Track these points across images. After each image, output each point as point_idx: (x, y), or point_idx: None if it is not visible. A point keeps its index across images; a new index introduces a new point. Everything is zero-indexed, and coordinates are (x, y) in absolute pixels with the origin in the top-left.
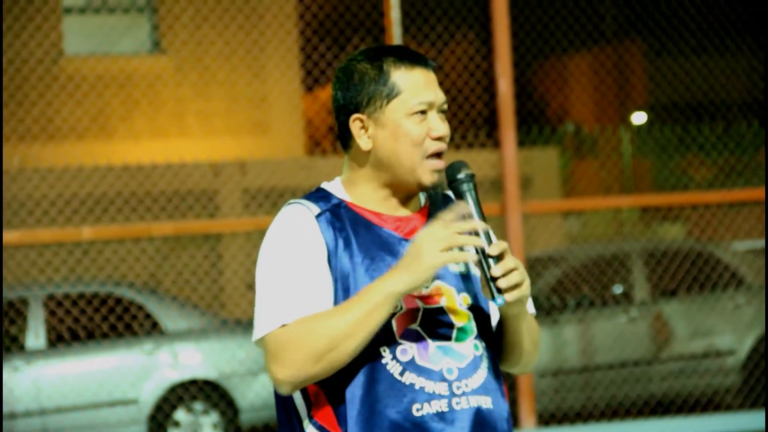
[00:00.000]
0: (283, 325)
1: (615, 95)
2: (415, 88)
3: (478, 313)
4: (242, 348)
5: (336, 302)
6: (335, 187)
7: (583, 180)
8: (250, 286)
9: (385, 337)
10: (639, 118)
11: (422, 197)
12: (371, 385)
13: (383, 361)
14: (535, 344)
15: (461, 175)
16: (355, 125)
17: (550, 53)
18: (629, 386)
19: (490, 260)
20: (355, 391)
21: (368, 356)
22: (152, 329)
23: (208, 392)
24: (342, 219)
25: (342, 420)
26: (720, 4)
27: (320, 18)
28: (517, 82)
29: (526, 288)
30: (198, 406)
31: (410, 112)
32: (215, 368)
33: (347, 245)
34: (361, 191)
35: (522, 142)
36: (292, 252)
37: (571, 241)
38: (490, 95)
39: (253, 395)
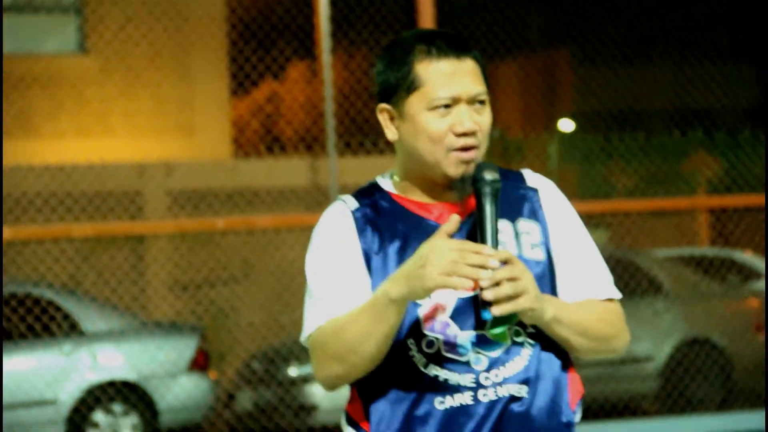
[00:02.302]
0: (318, 327)
1: (542, 102)
2: (438, 81)
3: None
4: (162, 350)
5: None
6: (385, 180)
7: None
8: (172, 288)
9: (411, 328)
10: (566, 125)
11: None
12: (395, 378)
13: (410, 353)
14: (599, 337)
15: (485, 177)
16: (382, 115)
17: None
18: None
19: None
20: (379, 385)
21: (395, 349)
22: (71, 330)
23: (127, 394)
24: (382, 212)
25: (367, 413)
26: (645, 15)
27: (246, 21)
28: None
29: (524, 301)
30: (117, 407)
31: (431, 107)
32: (134, 370)
33: (384, 238)
34: (404, 181)
35: None
36: (326, 255)
37: None
38: None
39: (173, 397)
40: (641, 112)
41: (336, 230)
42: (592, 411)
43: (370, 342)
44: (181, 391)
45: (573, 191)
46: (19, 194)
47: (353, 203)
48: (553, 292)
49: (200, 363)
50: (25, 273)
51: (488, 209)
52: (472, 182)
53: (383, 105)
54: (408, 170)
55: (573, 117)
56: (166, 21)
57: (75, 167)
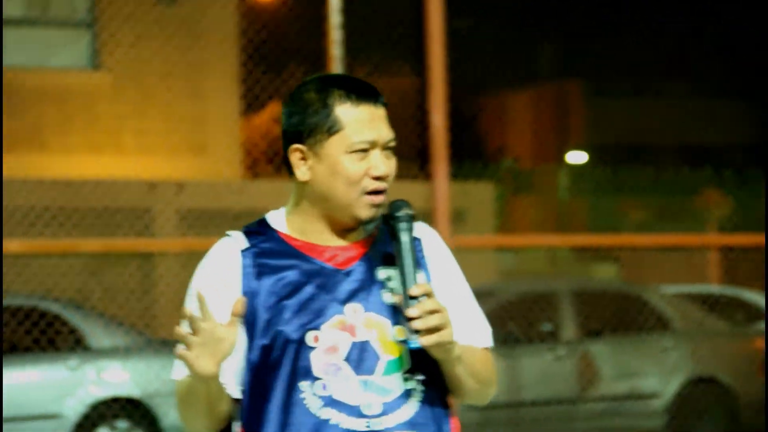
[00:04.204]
0: (177, 382)
1: (553, 133)
2: (358, 126)
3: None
4: (167, 368)
5: (254, 338)
6: (276, 217)
7: (518, 216)
8: (178, 307)
9: (304, 371)
10: (577, 157)
11: (370, 226)
12: (288, 422)
13: (301, 395)
14: (483, 382)
15: (400, 214)
16: (294, 155)
17: (489, 88)
18: (553, 424)
19: (411, 301)
20: (274, 429)
21: (286, 392)
22: (77, 345)
23: (131, 411)
24: (271, 252)
25: None
26: (657, 50)
27: (257, 42)
28: (454, 116)
29: (446, 334)
30: (121, 424)
31: (350, 150)
32: (139, 387)
33: (270, 280)
34: (300, 221)
35: (456, 175)
36: (201, 299)
37: (504, 277)
38: (424, 128)
39: (177, 415)
40: (651, 147)
41: (219, 271)
42: None
43: (193, 413)
44: None
45: (583, 223)
46: (28, 208)
47: (243, 242)
48: None
49: None
50: (32, 287)
51: (407, 244)
52: (387, 219)
53: (297, 145)
54: (309, 211)
55: (583, 149)
56: (178, 40)
57: (84, 182)
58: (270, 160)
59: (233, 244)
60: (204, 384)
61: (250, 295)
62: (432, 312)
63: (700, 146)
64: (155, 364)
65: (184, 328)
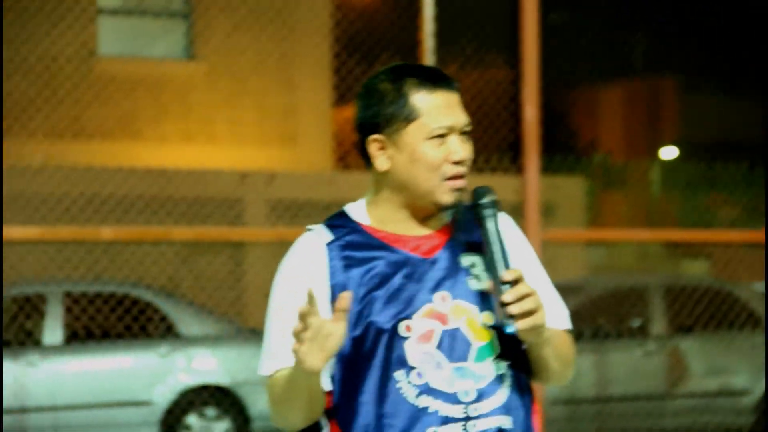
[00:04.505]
0: (269, 376)
1: (645, 128)
2: (434, 112)
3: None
4: (256, 357)
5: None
6: (357, 209)
7: (608, 211)
8: (268, 296)
9: (399, 360)
10: (668, 152)
11: (449, 214)
12: (383, 413)
13: (397, 386)
14: (566, 363)
15: (484, 200)
16: (372, 146)
17: (582, 83)
18: (641, 419)
19: (504, 286)
20: (369, 419)
21: (380, 382)
22: (167, 332)
23: (220, 398)
24: (355, 244)
25: None
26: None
27: (350, 33)
28: (547, 110)
29: (540, 317)
30: (210, 411)
31: (429, 136)
32: (229, 375)
33: (357, 272)
34: (381, 212)
35: (547, 169)
36: (290, 295)
37: (594, 272)
38: (516, 121)
39: (265, 404)
40: (744, 143)
41: (305, 265)
42: None
43: (292, 408)
44: None
45: (674, 219)
46: (121, 195)
47: (327, 235)
48: None
49: None
50: (124, 274)
51: (494, 230)
52: (472, 207)
53: (375, 136)
54: (390, 200)
55: (676, 144)
56: (271, 30)
57: (177, 172)
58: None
59: (317, 238)
60: (307, 379)
61: (338, 288)
62: (525, 296)
63: None
64: (245, 352)
65: (294, 324)
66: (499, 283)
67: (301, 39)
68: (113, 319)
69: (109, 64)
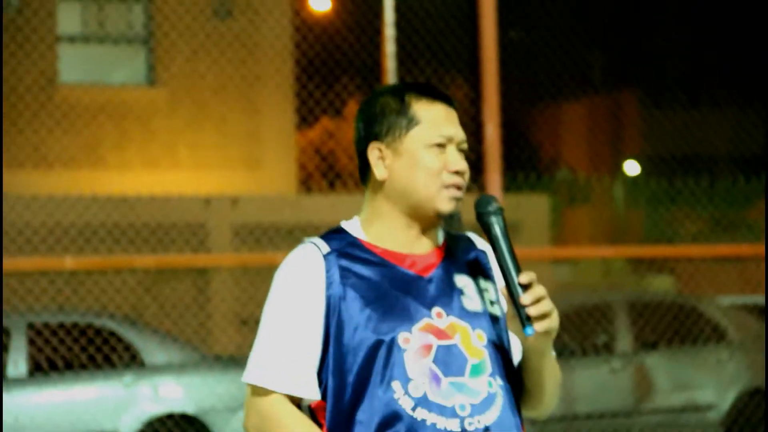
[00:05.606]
0: (265, 389)
1: (607, 144)
2: (434, 121)
3: (496, 350)
4: (222, 384)
5: (342, 341)
6: (352, 226)
7: (573, 227)
8: (233, 322)
9: (396, 373)
10: (632, 167)
11: (440, 235)
12: (383, 422)
13: (395, 396)
14: (557, 383)
15: (491, 208)
16: (372, 154)
17: (543, 100)
18: None
19: (519, 289)
20: (364, 429)
21: (377, 394)
22: (132, 361)
23: (186, 427)
24: (353, 258)
25: None
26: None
27: (310, 56)
28: (508, 128)
29: (555, 319)
30: None
31: (429, 144)
32: (194, 403)
33: (353, 285)
34: (377, 229)
35: (510, 187)
36: (285, 306)
37: (560, 289)
38: (477, 140)
39: (231, 431)
40: (706, 157)
41: (303, 276)
42: None
43: None
44: (239, 425)
45: (638, 234)
46: (83, 224)
47: (325, 247)
48: (508, 347)
49: None
50: (87, 303)
51: (503, 236)
52: (478, 215)
53: (376, 144)
54: (387, 214)
55: (638, 160)
56: (232, 54)
57: (139, 198)
58: (324, 175)
59: (314, 249)
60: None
61: (334, 299)
62: (542, 299)
63: (755, 157)
64: (210, 379)
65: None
66: (515, 285)
67: (262, 62)
68: (77, 349)
69: (69, 91)
